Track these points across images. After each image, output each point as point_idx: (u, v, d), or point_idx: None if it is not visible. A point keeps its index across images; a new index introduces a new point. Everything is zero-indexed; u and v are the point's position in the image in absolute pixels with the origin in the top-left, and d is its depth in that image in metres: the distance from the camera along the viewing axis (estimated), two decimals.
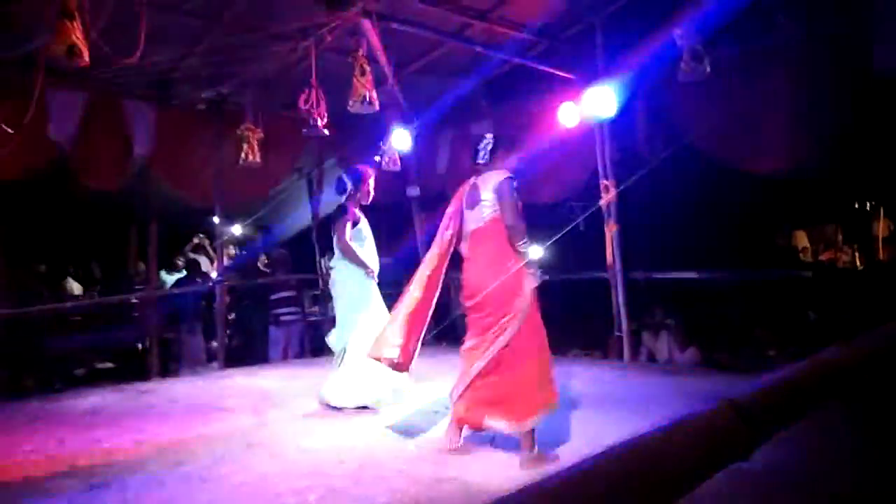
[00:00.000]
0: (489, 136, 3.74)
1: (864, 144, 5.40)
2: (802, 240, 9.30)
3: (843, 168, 6.10)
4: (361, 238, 4.92)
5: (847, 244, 9.36)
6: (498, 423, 3.47)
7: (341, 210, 4.92)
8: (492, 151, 3.69)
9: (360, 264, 4.83)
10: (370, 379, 4.60)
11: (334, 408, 4.69)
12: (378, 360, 3.83)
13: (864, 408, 3.39)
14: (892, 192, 9.01)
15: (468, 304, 3.63)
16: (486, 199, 3.59)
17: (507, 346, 3.47)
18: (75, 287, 9.07)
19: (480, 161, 3.71)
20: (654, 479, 0.70)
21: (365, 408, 4.67)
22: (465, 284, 3.67)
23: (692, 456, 0.75)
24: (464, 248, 3.74)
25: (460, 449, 3.63)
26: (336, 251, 4.94)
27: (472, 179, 3.77)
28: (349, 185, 4.91)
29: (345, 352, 4.79)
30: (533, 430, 3.43)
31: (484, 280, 3.55)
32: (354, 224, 4.88)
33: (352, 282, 4.85)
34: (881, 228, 8.82)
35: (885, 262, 8.45)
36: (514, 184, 3.57)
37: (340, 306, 4.92)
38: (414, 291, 3.76)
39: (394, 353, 3.71)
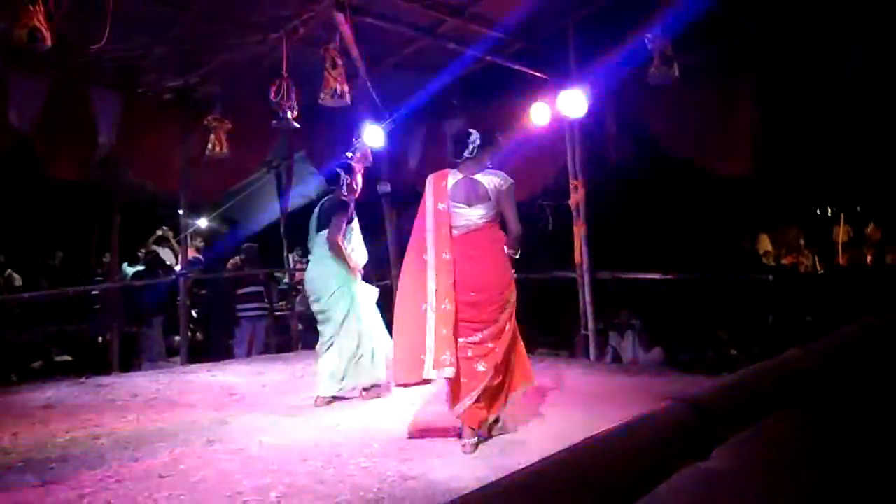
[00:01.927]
0: (474, 131, 3.67)
1: (825, 150, 5.54)
2: (765, 243, 9.49)
3: (806, 173, 6.24)
4: (350, 232, 4.79)
5: (808, 248, 9.59)
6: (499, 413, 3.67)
7: (342, 205, 4.70)
8: (480, 147, 3.64)
9: (347, 264, 4.70)
10: (363, 363, 4.68)
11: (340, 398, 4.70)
12: (428, 380, 3.57)
13: (823, 412, 3.46)
14: (853, 198, 9.26)
15: (465, 301, 3.54)
16: (487, 199, 3.55)
17: (507, 341, 3.57)
18: (16, 279, 8.83)
19: (467, 156, 3.66)
20: (613, 477, 0.70)
21: (365, 390, 4.75)
22: (462, 282, 3.54)
23: (651, 453, 0.75)
24: (450, 246, 3.60)
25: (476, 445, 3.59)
26: (318, 246, 4.75)
27: (458, 174, 3.66)
28: (343, 177, 4.76)
29: (330, 345, 4.72)
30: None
31: (479, 280, 3.54)
32: (349, 221, 4.75)
33: (334, 280, 4.69)
34: (841, 234, 9.05)
35: (845, 267, 8.68)
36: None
37: (324, 304, 4.74)
38: (447, 305, 3.50)
39: (452, 372, 3.48)
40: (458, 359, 3.49)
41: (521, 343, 3.77)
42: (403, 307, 3.67)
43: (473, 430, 3.58)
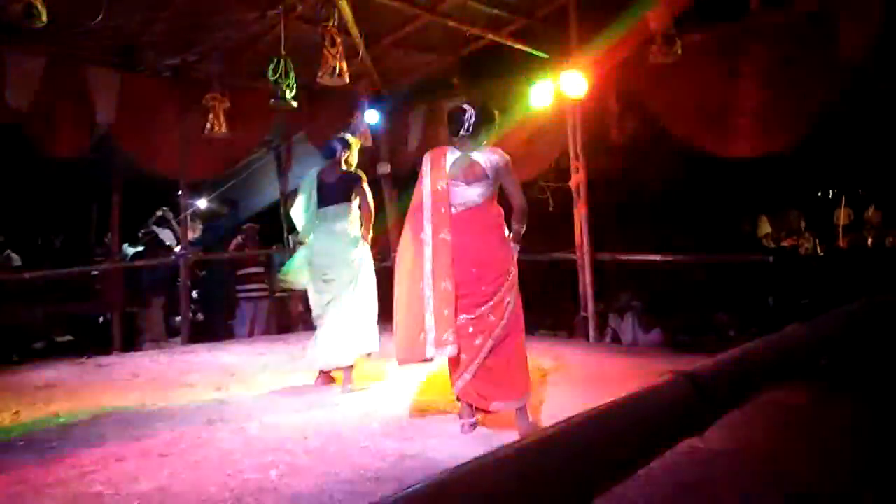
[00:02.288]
0: (469, 107, 3.61)
1: (828, 133, 5.50)
2: (765, 226, 9.46)
3: (807, 156, 6.21)
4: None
5: (809, 231, 9.57)
6: (507, 404, 3.51)
7: (359, 178, 4.68)
8: (475, 124, 3.58)
9: (365, 237, 4.72)
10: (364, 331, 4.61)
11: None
12: (428, 359, 3.57)
13: (826, 388, 3.47)
14: (854, 180, 9.22)
15: (466, 278, 3.51)
16: (485, 177, 3.52)
17: (508, 320, 3.50)
18: (15, 259, 8.81)
19: (464, 133, 3.61)
20: (611, 449, 0.69)
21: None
22: (462, 259, 3.52)
23: (649, 427, 0.74)
24: (449, 225, 3.56)
25: (475, 425, 3.60)
26: (326, 219, 4.66)
27: (456, 151, 3.62)
28: (340, 151, 4.72)
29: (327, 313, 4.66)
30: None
31: (481, 254, 3.52)
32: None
33: (351, 250, 4.66)
34: (842, 216, 9.02)
35: (845, 250, 8.66)
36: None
37: (352, 276, 4.64)
38: (446, 284, 3.48)
39: (454, 350, 3.48)
40: (459, 337, 3.48)
41: (524, 351, 3.62)
42: (402, 287, 3.65)
43: (471, 408, 3.58)
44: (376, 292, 4.72)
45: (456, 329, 3.47)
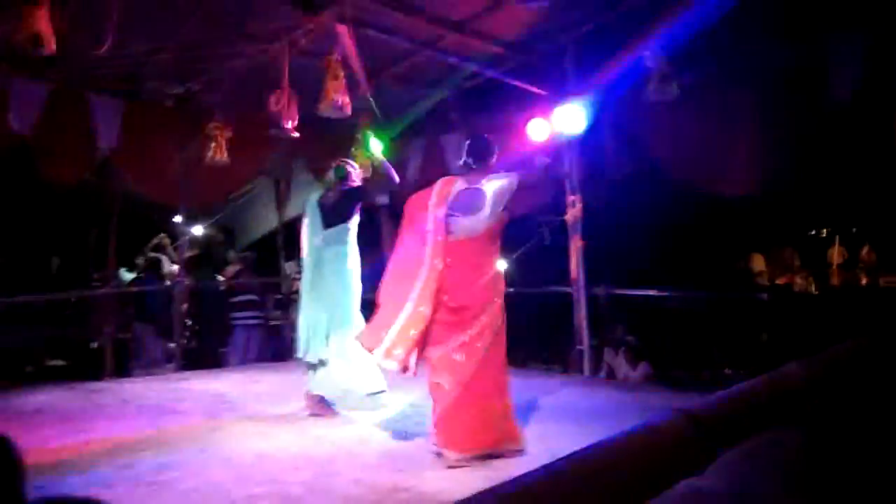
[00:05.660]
0: (471, 141, 3.74)
1: (822, 172, 5.57)
2: (760, 263, 9.51)
3: (801, 194, 6.28)
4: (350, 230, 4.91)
5: (803, 269, 9.61)
6: (451, 454, 3.48)
7: (356, 188, 4.84)
8: (482, 154, 3.69)
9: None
10: (369, 369, 4.61)
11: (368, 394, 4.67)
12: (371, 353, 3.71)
13: (819, 428, 3.46)
14: (847, 219, 9.31)
15: (449, 307, 3.56)
16: (484, 210, 3.58)
17: (480, 359, 3.49)
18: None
19: (471, 164, 3.69)
20: (608, 487, 0.70)
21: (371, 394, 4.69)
22: (450, 288, 3.56)
23: (647, 464, 0.75)
24: (443, 253, 3.61)
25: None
26: (328, 244, 4.75)
27: (463, 183, 3.70)
28: (348, 169, 4.87)
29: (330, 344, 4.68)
30: None
31: (469, 288, 3.56)
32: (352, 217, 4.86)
33: (355, 270, 4.79)
34: (836, 255, 9.08)
35: (839, 288, 8.70)
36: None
37: (340, 295, 4.71)
38: (424, 309, 3.54)
39: (395, 367, 3.58)
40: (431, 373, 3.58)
41: (508, 398, 3.63)
42: (391, 282, 3.76)
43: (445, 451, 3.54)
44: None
45: (414, 353, 3.55)
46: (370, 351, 3.69)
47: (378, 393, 4.70)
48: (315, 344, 4.67)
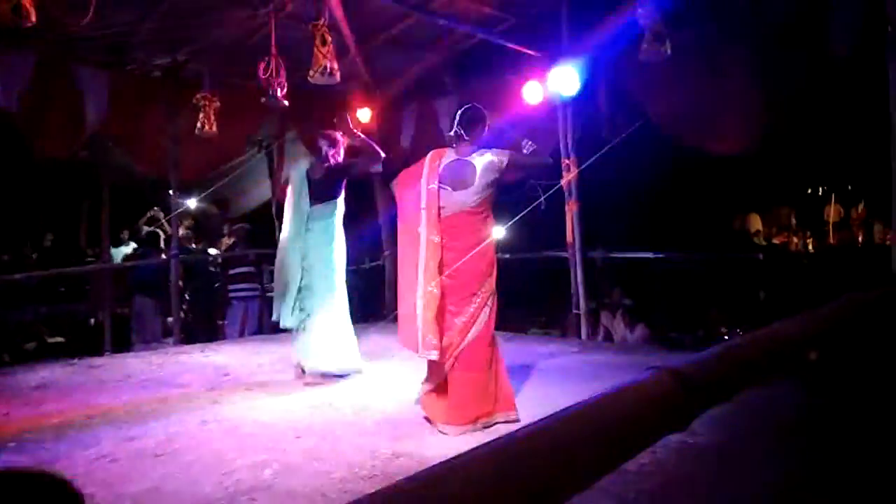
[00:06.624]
0: (463, 110, 3.65)
1: (819, 129, 5.52)
2: (756, 223, 9.53)
3: (798, 152, 6.24)
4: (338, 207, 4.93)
5: (800, 228, 9.62)
6: (450, 428, 3.48)
7: (344, 165, 4.83)
8: (472, 124, 3.61)
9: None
10: (350, 344, 4.70)
11: (326, 374, 4.70)
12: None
13: (817, 383, 3.49)
14: (844, 178, 9.28)
15: (448, 283, 3.54)
16: (472, 185, 3.53)
17: (477, 335, 3.50)
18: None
19: (460, 134, 3.61)
20: (594, 444, 0.70)
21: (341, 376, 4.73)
22: (447, 266, 3.54)
23: (633, 421, 0.75)
24: (438, 227, 3.59)
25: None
26: (314, 219, 4.78)
27: (453, 154, 3.64)
28: (325, 148, 4.82)
29: (312, 316, 4.73)
30: None
31: (465, 262, 3.53)
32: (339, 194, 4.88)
33: (338, 252, 4.80)
34: (832, 214, 9.09)
35: (836, 246, 8.72)
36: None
37: (325, 268, 4.76)
38: (433, 288, 3.50)
39: (436, 355, 3.50)
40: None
41: (503, 366, 3.64)
42: (404, 268, 3.74)
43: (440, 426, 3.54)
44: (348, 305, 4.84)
45: (439, 334, 3.47)
46: (415, 352, 3.63)
47: (347, 374, 4.77)
48: (292, 311, 4.76)
